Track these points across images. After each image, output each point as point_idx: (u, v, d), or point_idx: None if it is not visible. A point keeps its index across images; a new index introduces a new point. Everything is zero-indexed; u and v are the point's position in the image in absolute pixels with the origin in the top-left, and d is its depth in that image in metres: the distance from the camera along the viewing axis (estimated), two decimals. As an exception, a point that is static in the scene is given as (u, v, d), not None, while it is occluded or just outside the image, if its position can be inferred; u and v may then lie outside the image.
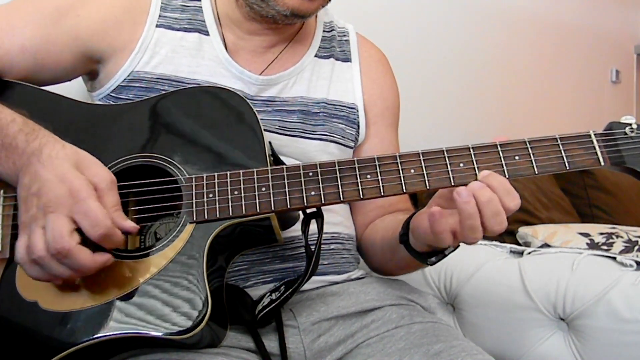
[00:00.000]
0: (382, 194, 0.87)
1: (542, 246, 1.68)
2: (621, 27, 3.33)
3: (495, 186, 0.83)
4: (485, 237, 1.67)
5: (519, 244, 1.76)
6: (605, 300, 1.33)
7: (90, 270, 0.80)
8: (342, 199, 0.87)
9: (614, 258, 1.41)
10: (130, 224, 0.82)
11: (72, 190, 0.78)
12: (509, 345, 1.46)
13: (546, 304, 1.41)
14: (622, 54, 3.36)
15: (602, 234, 1.75)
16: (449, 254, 0.93)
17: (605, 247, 1.68)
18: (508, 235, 1.84)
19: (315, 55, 1.16)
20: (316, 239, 0.95)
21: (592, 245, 1.69)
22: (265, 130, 0.93)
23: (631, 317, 1.29)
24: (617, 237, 1.73)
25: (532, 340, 1.43)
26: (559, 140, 0.88)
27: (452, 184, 0.87)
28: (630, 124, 0.88)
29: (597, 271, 1.40)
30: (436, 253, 0.94)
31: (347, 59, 1.19)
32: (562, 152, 0.87)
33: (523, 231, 1.82)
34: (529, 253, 1.54)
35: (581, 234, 1.75)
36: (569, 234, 1.76)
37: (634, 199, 2.30)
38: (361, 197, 0.87)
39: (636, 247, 1.67)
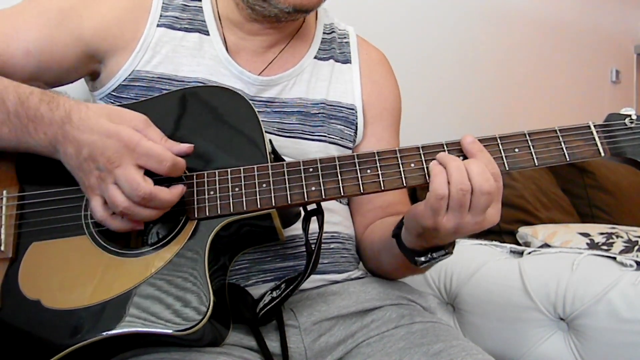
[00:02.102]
0: (383, 188, 0.88)
1: (542, 246, 1.68)
2: (621, 27, 3.34)
3: (475, 152, 0.85)
4: (484, 237, 1.69)
5: (519, 244, 1.76)
6: (605, 300, 1.33)
7: (172, 204, 0.85)
8: (342, 194, 0.88)
9: (614, 258, 1.41)
10: (185, 145, 0.87)
11: (123, 139, 0.82)
12: (509, 345, 1.46)
13: (546, 304, 1.41)
14: (622, 54, 3.37)
15: (602, 234, 1.75)
16: (438, 257, 0.93)
17: (605, 247, 1.68)
18: (508, 235, 1.85)
19: (315, 57, 1.16)
20: (316, 237, 0.95)
21: (592, 245, 1.69)
22: (265, 131, 0.94)
23: (631, 317, 1.29)
24: (617, 237, 1.73)
25: (532, 340, 1.43)
26: (558, 132, 0.88)
27: None
28: (630, 115, 0.88)
29: (597, 271, 1.40)
30: (426, 252, 0.93)
31: (347, 61, 1.19)
32: (562, 143, 0.88)
33: (523, 231, 1.82)
34: (529, 253, 1.54)
35: (581, 234, 1.75)
36: (569, 234, 1.75)
37: (634, 199, 2.30)
38: (361, 191, 0.88)
39: (636, 247, 1.67)
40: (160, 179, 0.85)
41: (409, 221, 0.92)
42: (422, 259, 0.94)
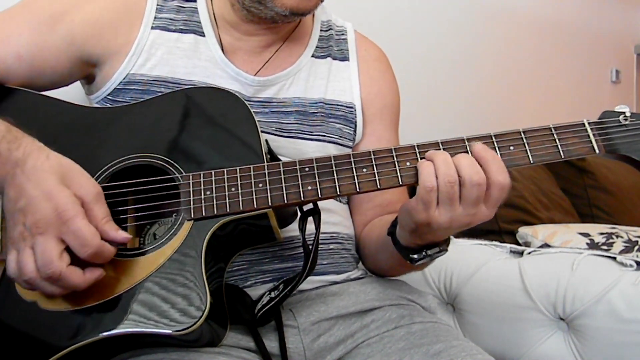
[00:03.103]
0: (379, 186, 0.88)
1: (542, 246, 1.68)
2: (621, 27, 3.34)
3: (488, 158, 0.84)
4: (484, 237, 1.68)
5: (519, 244, 1.76)
6: (605, 300, 1.32)
7: (82, 288, 0.80)
8: (338, 193, 0.88)
9: (614, 258, 1.41)
10: (122, 235, 0.81)
11: (59, 209, 0.77)
12: (509, 345, 1.45)
13: (546, 304, 1.41)
14: (622, 54, 3.37)
15: (602, 234, 1.75)
16: (433, 254, 0.94)
17: (605, 247, 1.68)
18: (508, 235, 1.84)
19: (312, 55, 1.15)
20: (314, 237, 0.95)
21: (592, 245, 1.69)
22: (262, 131, 0.94)
23: (631, 317, 1.29)
24: (617, 237, 1.73)
25: (532, 340, 1.43)
26: (553, 129, 0.88)
27: None
28: (624, 112, 0.89)
29: (597, 271, 1.39)
30: (421, 250, 0.93)
31: (345, 58, 1.19)
32: (557, 141, 0.88)
33: (523, 231, 1.82)
34: (529, 253, 1.54)
35: (581, 234, 1.75)
36: (569, 234, 1.75)
37: (634, 199, 2.30)
38: (358, 190, 0.88)
39: (636, 247, 1.66)
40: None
41: (402, 217, 0.92)
42: (416, 256, 0.94)
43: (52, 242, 0.77)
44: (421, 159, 0.88)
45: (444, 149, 0.87)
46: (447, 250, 0.95)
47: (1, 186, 0.83)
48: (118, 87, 1.03)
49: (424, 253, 0.94)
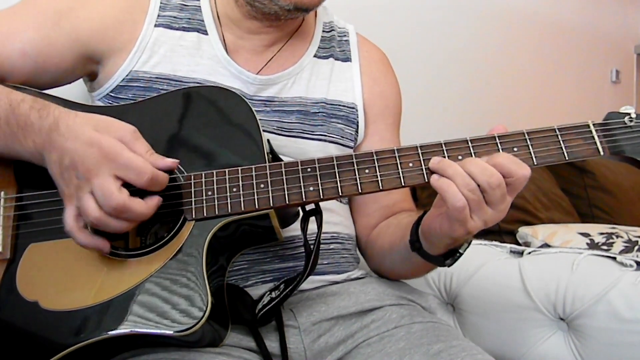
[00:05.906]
0: (381, 188, 0.87)
1: (542, 246, 1.68)
2: (621, 27, 3.33)
3: (501, 162, 0.83)
4: (484, 237, 1.69)
5: (519, 244, 1.76)
6: (605, 300, 1.32)
7: (147, 217, 0.83)
8: (340, 194, 0.87)
9: (614, 258, 1.41)
10: (170, 160, 0.85)
11: (104, 149, 0.81)
12: (509, 345, 1.45)
13: (546, 304, 1.41)
14: (622, 54, 3.36)
15: (602, 234, 1.75)
16: (464, 252, 0.93)
17: (605, 247, 1.68)
18: (508, 235, 1.84)
19: (315, 55, 1.16)
20: (315, 237, 0.95)
21: (592, 245, 1.69)
22: (263, 130, 0.94)
23: (631, 317, 1.29)
24: (617, 237, 1.73)
25: (532, 340, 1.43)
26: (557, 131, 0.88)
27: None
28: (629, 114, 0.88)
29: (597, 271, 1.39)
30: (452, 253, 0.93)
31: (347, 59, 1.19)
32: (561, 142, 0.87)
33: (523, 231, 1.82)
34: (529, 253, 1.54)
35: (581, 234, 1.75)
36: (569, 234, 1.75)
37: (634, 199, 2.30)
38: (360, 191, 0.87)
39: (636, 247, 1.66)
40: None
41: (435, 238, 0.91)
42: (450, 261, 0.93)
43: (108, 180, 0.80)
44: (427, 159, 0.87)
45: (446, 150, 0.87)
46: (471, 242, 0.94)
47: (40, 155, 0.85)
48: (121, 84, 1.03)
49: (457, 254, 0.93)
